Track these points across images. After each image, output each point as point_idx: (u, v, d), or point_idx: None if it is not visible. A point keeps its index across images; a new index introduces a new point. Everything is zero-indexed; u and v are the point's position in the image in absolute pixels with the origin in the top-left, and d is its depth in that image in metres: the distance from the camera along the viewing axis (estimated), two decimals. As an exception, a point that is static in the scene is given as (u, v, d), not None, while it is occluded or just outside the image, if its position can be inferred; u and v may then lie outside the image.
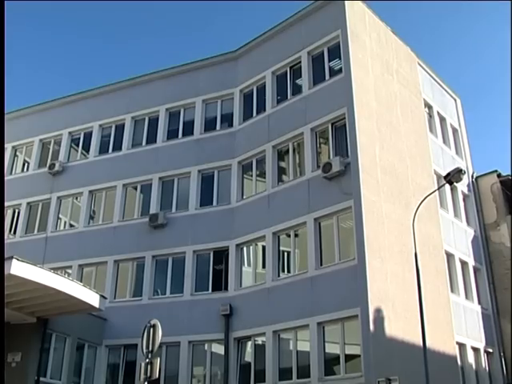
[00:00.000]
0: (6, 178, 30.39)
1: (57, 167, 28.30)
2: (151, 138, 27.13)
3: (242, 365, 21.50)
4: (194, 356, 22.33)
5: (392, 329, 18.55)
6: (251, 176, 24.13)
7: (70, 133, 29.49)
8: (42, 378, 20.57)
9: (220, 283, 22.88)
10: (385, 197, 20.74)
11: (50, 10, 65.05)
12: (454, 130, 28.83)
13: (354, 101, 20.99)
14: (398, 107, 23.88)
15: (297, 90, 23.67)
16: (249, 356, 21.59)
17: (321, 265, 20.13)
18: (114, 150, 27.89)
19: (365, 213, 19.29)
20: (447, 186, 22.74)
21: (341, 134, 21.35)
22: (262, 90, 25.01)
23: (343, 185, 20.16)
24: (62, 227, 27.87)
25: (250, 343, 21.53)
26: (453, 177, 16.86)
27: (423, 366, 15.47)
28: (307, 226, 20.80)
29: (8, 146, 31.18)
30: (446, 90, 29.39)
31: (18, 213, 29.19)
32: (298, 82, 23.82)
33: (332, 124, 21.70)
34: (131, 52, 70.46)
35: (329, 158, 21.21)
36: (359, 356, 18.08)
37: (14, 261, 17.02)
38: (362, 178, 19.83)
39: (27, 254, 20.47)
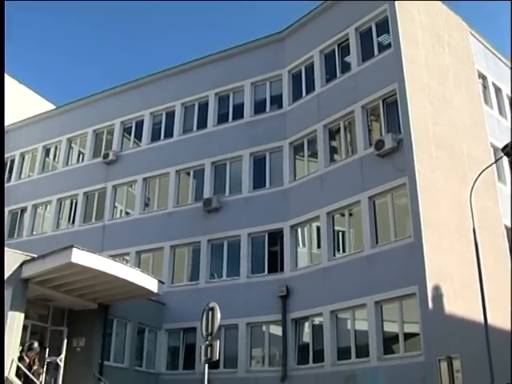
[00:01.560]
0: (61, 170, 31.23)
1: (111, 156, 28.83)
2: (202, 123, 27.30)
3: (300, 345, 21.56)
4: (253, 337, 22.55)
5: (451, 306, 18.23)
6: (303, 157, 24.03)
7: (121, 122, 29.95)
8: (105, 362, 21.17)
9: (276, 265, 22.95)
10: (440, 172, 20.31)
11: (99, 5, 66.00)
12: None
13: (405, 75, 20.55)
14: (451, 79, 23.27)
15: (345, 67, 23.35)
16: (307, 336, 21.64)
17: (376, 243, 19.92)
18: (165, 136, 28.20)
19: (420, 189, 18.94)
20: (505, 159, 22.13)
21: (392, 110, 20.97)
22: (310, 70, 24.78)
23: (396, 161, 19.83)
24: (118, 215, 28.44)
25: (307, 324, 21.56)
26: (510, 149, 16.35)
27: (485, 344, 15.20)
28: (361, 204, 20.60)
29: (63, 139, 31.94)
30: (500, 60, 28.40)
31: (76, 203, 29.91)
32: (347, 59, 23.48)
33: (383, 100, 21.33)
34: (179, 39, 70.87)
35: (381, 135, 20.89)
36: (418, 334, 17.86)
37: (74, 249, 17.47)
38: (415, 154, 19.45)
39: (86, 242, 20.94)
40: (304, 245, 23.07)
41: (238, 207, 24.33)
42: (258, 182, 24.56)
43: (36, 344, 18.63)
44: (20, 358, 17.90)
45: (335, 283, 20.47)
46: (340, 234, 21.87)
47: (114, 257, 21.67)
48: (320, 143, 23.02)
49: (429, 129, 20.73)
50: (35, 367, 18.33)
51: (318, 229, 22.21)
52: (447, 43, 24.08)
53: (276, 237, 23.30)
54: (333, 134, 23.19)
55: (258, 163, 24.90)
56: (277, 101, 25.73)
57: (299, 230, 23.02)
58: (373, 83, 21.55)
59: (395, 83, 20.74)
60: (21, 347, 18.28)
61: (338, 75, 23.45)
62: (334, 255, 21.30)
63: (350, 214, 21.40)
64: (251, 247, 23.64)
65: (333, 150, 23.02)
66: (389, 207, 20.02)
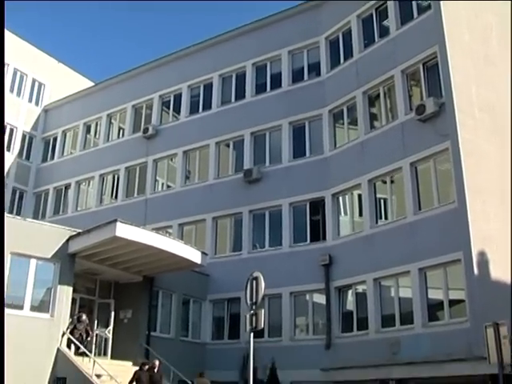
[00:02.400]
0: (103, 146, 31.60)
1: (150, 131, 29.03)
2: (240, 94, 27.23)
3: (344, 313, 21.61)
4: (296, 306, 22.68)
5: (497, 272, 17.91)
6: (343, 124, 23.77)
7: (160, 96, 30.07)
8: (152, 333, 21.61)
9: (318, 233, 22.93)
10: (483, 136, 19.82)
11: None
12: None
13: (446, 37, 19.97)
14: (494, 40, 22.54)
15: (384, 31, 22.85)
16: (350, 304, 21.65)
17: (419, 210, 19.68)
18: (204, 109, 28.23)
19: (463, 154, 18.54)
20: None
21: (433, 74, 20.48)
22: (347, 36, 24.35)
23: (438, 126, 19.43)
24: (159, 189, 28.74)
25: (350, 292, 21.56)
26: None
27: (532, 309, 14.96)
28: (403, 171, 20.33)
29: (103, 115, 32.28)
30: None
31: (118, 178, 30.31)
32: (385, 23, 22.96)
33: (423, 64, 20.84)
34: (214, 10, 70.42)
35: (421, 99, 20.45)
36: (464, 301, 17.68)
37: (118, 223, 17.76)
38: (458, 118, 19.00)
39: (129, 216, 21.25)
40: (346, 213, 22.96)
41: (278, 177, 24.29)
42: (298, 151, 24.45)
43: (84, 316, 19.14)
44: (71, 331, 18.42)
45: (378, 251, 20.35)
46: (382, 201, 21.67)
47: (156, 230, 21.99)
48: (359, 110, 22.73)
49: (471, 91, 20.20)
50: (88, 339, 18.86)
51: (360, 197, 22.07)
52: (490, 1, 23.29)
53: (317, 206, 23.24)
54: (372, 100, 22.85)
55: (298, 132, 24.76)
56: (315, 68, 25.42)
57: (340, 198, 22.90)
58: (412, 47, 21.06)
59: (436, 46, 20.21)
60: (70, 319, 18.80)
61: (376, 40, 22.99)
62: (377, 223, 21.15)
63: (392, 181, 21.16)
64: (293, 217, 23.65)
65: (373, 117, 22.71)
66: (431, 173, 19.71)
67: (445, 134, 19.08)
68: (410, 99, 21.16)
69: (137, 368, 19.64)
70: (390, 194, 21.25)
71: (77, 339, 18.29)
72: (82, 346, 18.16)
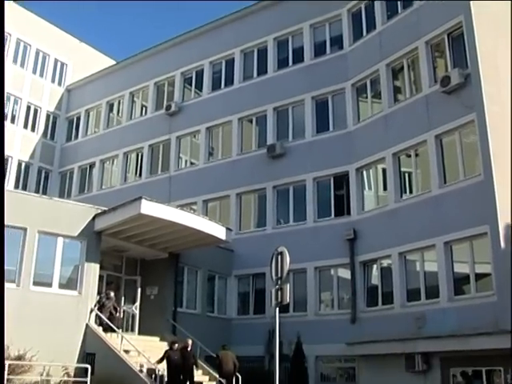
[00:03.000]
0: (126, 124, 31.72)
1: (173, 108, 29.05)
2: (262, 69, 27.06)
3: (369, 287, 21.61)
4: (321, 281, 22.75)
5: (525, 245, 17.73)
6: (366, 98, 23.53)
7: (182, 73, 30.03)
8: (178, 309, 21.85)
9: (342, 208, 22.86)
10: (510, 107, 19.47)
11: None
12: None
13: (472, 7, 19.56)
14: (521, 9, 22.02)
15: (407, 2, 22.38)
16: (375, 279, 21.63)
17: (444, 183, 19.48)
18: (226, 85, 28.13)
19: (489, 126, 18.21)
20: None
21: (458, 45, 20.08)
22: (370, 7, 23.94)
23: (464, 98, 19.10)
24: (183, 166, 28.84)
25: (375, 266, 21.53)
26: None
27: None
28: (428, 144, 20.09)
29: (125, 93, 32.36)
30: None
31: (141, 156, 30.45)
32: (409, -7, 22.54)
33: (448, 35, 20.44)
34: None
35: (446, 71, 20.09)
36: (490, 275, 17.55)
37: (143, 201, 17.88)
38: (484, 89, 18.62)
39: (153, 194, 21.35)
40: (370, 187, 22.84)
41: (301, 152, 24.19)
42: (322, 125, 24.28)
43: (112, 293, 19.43)
44: (99, 308, 18.69)
45: (403, 225, 20.24)
46: (406, 175, 21.49)
47: (181, 207, 22.11)
48: (383, 83, 22.45)
49: (497, 62, 19.80)
50: (117, 315, 19.14)
51: (384, 171, 21.91)
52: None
53: (341, 180, 23.13)
54: (396, 72, 22.53)
55: (321, 107, 24.57)
56: (337, 42, 25.12)
57: (365, 172, 22.76)
58: (437, 17, 20.66)
59: (461, 15, 19.79)
60: (98, 297, 19.08)
61: (399, 11, 22.57)
62: (401, 197, 21.00)
63: (417, 155, 20.94)
64: (317, 191, 23.59)
65: (396, 90, 22.42)
66: (457, 145, 19.45)
67: (470, 105, 18.76)
68: (434, 71, 20.82)
69: (164, 343, 19.99)
70: (415, 168, 21.05)
71: (105, 316, 18.57)
72: (110, 323, 18.43)
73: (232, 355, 17.56)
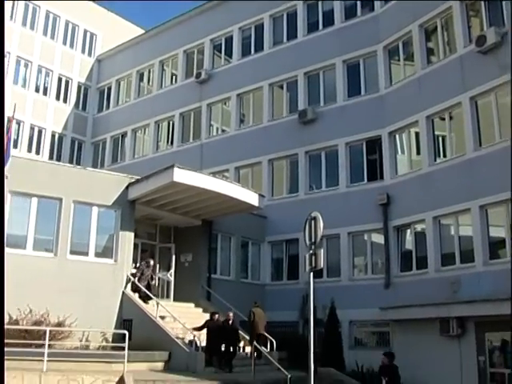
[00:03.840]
0: (156, 93, 31.75)
1: (203, 75, 28.96)
2: (291, 34, 26.69)
3: (403, 252, 21.51)
4: (354, 246, 22.72)
5: (563, 207, 17.40)
6: (398, 60, 23.08)
7: (211, 40, 29.84)
8: (212, 275, 22.09)
9: (375, 173, 22.67)
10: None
11: None
12: None
13: (508, -39, 18.90)
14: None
15: (441, -40, 21.75)
16: (409, 244, 21.51)
17: (480, 146, 19.11)
18: (255, 51, 27.87)
19: (526, 86, 17.76)
20: None
21: (494, 3, 19.46)
22: (402, -33, 23.32)
23: (500, 57, 18.52)
24: (214, 133, 28.86)
25: (409, 231, 21.39)
26: None
27: None
28: (462, 106, 19.67)
29: (155, 62, 32.35)
30: None
31: (173, 124, 30.53)
32: (440, -50, 21.86)
33: (484, -9, 19.82)
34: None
35: (482, 30, 19.54)
36: (526, 238, 17.32)
37: (175, 169, 17.96)
38: (521, 48, 18.11)
39: (185, 161, 21.40)
40: (403, 151, 22.56)
41: (333, 117, 23.96)
42: (353, 89, 23.95)
43: (152, 262, 19.71)
44: (138, 276, 18.99)
45: (437, 189, 19.98)
46: (440, 138, 21.15)
47: (213, 174, 22.14)
48: (416, 44, 21.95)
49: (535, 20, 19.19)
50: (152, 283, 19.41)
51: (417, 134, 21.59)
52: None
53: (374, 145, 22.89)
54: (429, 33, 21.99)
55: (352, 70, 24.19)
56: (368, 3, 24.53)
57: (397, 136, 22.46)
58: (472, -26, 20.04)
59: (496, -28, 19.19)
60: (138, 265, 19.41)
61: (432, -31, 21.95)
62: (435, 160, 20.71)
63: (451, 117, 20.56)
64: (349, 156, 23.42)
65: (429, 51, 21.93)
66: (492, 107, 18.98)
67: (507, 65, 18.25)
68: (469, 30, 20.24)
69: (198, 309, 20.29)
70: (449, 131, 20.68)
71: (143, 284, 18.86)
72: (148, 292, 18.70)
73: (263, 313, 17.74)
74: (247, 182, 25.31)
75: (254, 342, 16.79)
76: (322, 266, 10.42)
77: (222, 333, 16.61)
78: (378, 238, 22.19)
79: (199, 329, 16.73)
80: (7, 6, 29.38)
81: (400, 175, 21.88)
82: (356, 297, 21.22)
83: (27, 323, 15.55)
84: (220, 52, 29.69)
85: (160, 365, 16.01)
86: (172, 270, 21.28)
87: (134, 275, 18.98)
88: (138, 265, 19.91)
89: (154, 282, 19.69)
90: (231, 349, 16.61)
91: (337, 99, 24.23)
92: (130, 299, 18.28)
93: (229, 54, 29.06)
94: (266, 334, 17.56)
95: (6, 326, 14.82)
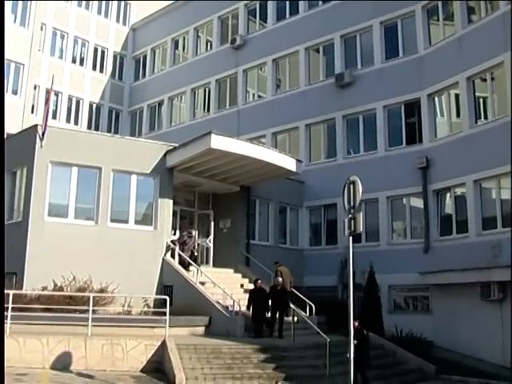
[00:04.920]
0: (192, 60, 31.65)
1: (238, 41, 28.72)
2: (327, -4, 26.20)
3: (443, 216, 21.27)
4: (393, 210, 22.55)
5: None
6: (437, 20, 22.46)
7: (245, 5, 29.50)
8: (251, 241, 22.22)
9: (414, 136, 22.32)
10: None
11: None
12: None
13: None
14: None
15: None
16: (449, 207, 21.25)
17: (523, 106, 18.60)
18: (291, 14, 27.46)
19: None
20: None
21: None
22: None
23: (544, 15, 17.95)
24: (250, 99, 28.73)
25: (449, 194, 21.10)
26: None
27: None
28: (505, 65, 18.99)
29: (190, 29, 32.21)
30: None
31: (209, 91, 30.49)
32: None
33: None
34: None
35: (525, -14, 18.87)
36: None
37: (212, 135, 17.96)
38: None
39: (222, 128, 21.36)
40: (442, 114, 22.12)
41: (371, 80, 23.58)
42: (391, 51, 23.46)
43: (194, 232, 19.89)
44: (181, 246, 19.21)
45: (478, 152, 19.57)
46: (481, 100, 20.63)
47: (250, 140, 22.08)
48: (456, 3, 21.31)
49: None
50: (195, 254, 19.59)
51: (457, 96, 21.11)
52: None
53: (413, 107, 22.50)
54: (470, -9, 21.35)
55: (390, 32, 23.66)
56: (404, -37, 23.87)
57: (437, 98, 22.02)
58: None
59: None
60: (174, 231, 19.63)
61: None
62: (476, 122, 20.25)
63: (492, 78, 19.97)
64: (387, 120, 23.09)
65: (470, 10, 21.27)
66: (536, 66, 18.42)
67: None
68: (511, -13, 19.57)
69: (237, 275, 20.43)
70: (491, 92, 20.12)
71: (186, 254, 19.07)
72: (191, 261, 18.90)
73: (288, 271, 17.79)
74: (284, 147, 25.19)
75: (293, 306, 16.86)
76: (361, 230, 10.35)
77: (272, 299, 16.60)
78: (417, 202, 21.96)
79: (249, 304, 16.64)
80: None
81: (439, 138, 21.51)
82: (395, 261, 21.14)
83: (71, 290, 15.94)
84: (255, 17, 29.36)
85: (201, 330, 16.31)
86: (211, 237, 21.46)
87: (174, 243, 19.21)
88: (179, 235, 20.10)
89: (196, 254, 19.87)
90: (279, 314, 16.56)
91: (374, 62, 23.80)
92: (170, 265, 18.54)
93: (264, 18, 28.71)
94: (295, 291, 17.50)
95: (51, 293, 15.36)
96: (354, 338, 11.47)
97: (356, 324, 12.20)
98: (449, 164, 20.63)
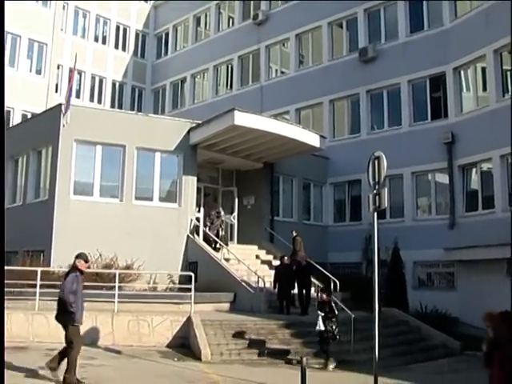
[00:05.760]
0: (214, 37, 31.48)
1: (260, 17, 28.49)
2: (350, -31, 25.77)
3: (468, 192, 21.06)
4: (418, 186, 22.38)
5: None
6: (463, -8, 22.04)
7: (267, -21, 29.18)
8: (275, 217, 22.25)
9: (439, 111, 22.02)
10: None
11: None
12: None
13: None
14: None
15: None
16: (475, 183, 21.04)
17: (553, 78, 18.22)
18: (313, -12, 27.10)
19: None
20: None
21: None
22: None
23: None
24: (273, 75, 28.56)
25: (475, 170, 20.87)
26: None
27: None
28: (533, 37, 18.65)
29: (211, 5, 32.03)
30: None
31: (231, 67, 30.36)
32: None
33: None
34: None
35: (554, -46, 18.30)
36: None
37: (235, 112, 17.94)
38: None
39: (245, 105, 21.31)
40: (468, 88, 21.78)
41: (395, 54, 23.23)
42: (416, 24, 23.06)
43: (222, 212, 19.92)
44: (209, 226, 19.32)
45: (505, 126, 19.15)
46: (508, 73, 20.23)
47: (273, 116, 21.99)
48: (482, -27, 20.84)
49: None
50: (222, 233, 19.63)
51: (484, 70, 20.75)
52: None
53: (438, 82, 22.16)
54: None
55: (414, 4, 23.19)
56: None
57: (462, 72, 21.65)
58: None
59: None
60: (198, 208, 19.74)
61: None
62: (503, 96, 19.86)
63: (520, 50, 19.58)
64: (412, 94, 22.82)
65: (497, -20, 20.77)
66: None
67: None
68: (541, -45, 19.03)
69: (262, 251, 20.49)
70: (518, 65, 19.76)
71: (213, 233, 19.16)
72: (218, 240, 18.97)
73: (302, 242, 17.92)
74: (308, 123, 25.03)
75: (318, 282, 16.88)
76: (385, 205, 10.26)
77: (298, 275, 16.60)
78: (442, 178, 21.77)
79: (275, 281, 16.61)
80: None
81: (465, 113, 21.20)
82: (420, 237, 21.02)
83: (97, 267, 16.12)
84: (277, -8, 29.07)
85: (226, 306, 16.41)
86: (235, 213, 21.51)
87: (199, 220, 19.34)
88: (208, 214, 20.14)
89: (223, 233, 19.91)
90: (305, 291, 16.55)
91: (398, 36, 23.44)
92: (195, 242, 18.67)
93: (286, -7, 28.41)
94: (311, 261, 17.46)
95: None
96: (322, 311, 11.77)
97: (324, 296, 12.36)
98: (475, 139, 20.33)
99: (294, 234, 17.96)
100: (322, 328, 12.05)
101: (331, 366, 12.27)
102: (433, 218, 21.77)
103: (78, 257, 10.03)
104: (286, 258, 17.01)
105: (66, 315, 9.48)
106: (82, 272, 9.94)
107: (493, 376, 5.76)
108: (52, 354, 10.10)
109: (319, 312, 12.25)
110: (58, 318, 9.75)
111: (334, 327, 12.28)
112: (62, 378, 9.42)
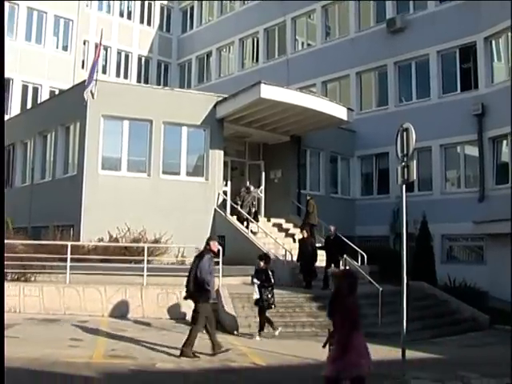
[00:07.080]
0: (239, 9, 31.19)
1: (282, -12, 28.14)
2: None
3: (499, 165, 20.74)
4: (447, 159, 22.13)
5: None
6: (494, -42, 21.41)
7: (292, -49, 28.70)
8: (302, 191, 22.18)
9: (469, 82, 21.63)
10: None
11: None
12: None
13: None
14: None
15: None
16: (505, 155, 20.69)
17: None
18: (340, -41, 26.62)
19: None
20: None
21: None
22: None
23: None
24: (300, 48, 28.28)
25: (505, 142, 20.49)
26: None
27: None
28: None
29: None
30: None
31: (257, 41, 30.11)
32: None
33: None
34: None
35: None
36: None
37: (262, 85, 17.86)
38: None
39: (271, 78, 21.13)
40: (499, 59, 21.31)
41: (424, 24, 22.77)
42: (445, -7, 22.62)
43: (252, 188, 19.88)
44: (239, 202, 19.32)
45: (538, 93, 18.83)
46: (542, 41, 19.74)
47: (300, 89, 21.79)
48: None
49: None
50: (253, 210, 19.59)
51: (516, 39, 20.24)
52: None
53: (468, 52, 21.72)
54: None
55: (443, -27, 22.75)
56: None
57: (494, 42, 21.18)
58: None
59: None
60: (225, 182, 19.78)
61: None
62: (536, 65, 19.44)
63: (554, 18, 19.05)
64: (441, 66, 22.44)
65: None
66: None
67: None
68: None
69: (289, 224, 20.47)
70: (553, 33, 19.24)
71: (245, 210, 19.15)
72: (250, 218, 18.97)
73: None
74: (335, 96, 24.82)
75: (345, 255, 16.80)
76: (414, 178, 10.12)
77: (327, 250, 16.41)
78: (472, 151, 21.46)
79: (299, 255, 16.51)
80: None
81: (496, 83, 20.78)
82: (448, 211, 20.83)
83: (126, 241, 16.31)
84: (303, -37, 28.60)
85: (253, 279, 16.46)
86: (262, 187, 21.51)
87: (226, 194, 19.36)
88: (239, 191, 20.13)
89: (254, 209, 19.84)
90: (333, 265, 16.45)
91: (427, 5, 23.01)
92: (223, 216, 18.73)
93: (312, -36, 27.95)
94: (347, 240, 17.30)
95: (107, 244, 15.76)
96: (258, 279, 11.78)
97: (262, 264, 12.31)
98: (506, 110, 19.84)
99: (308, 198, 18.05)
100: (258, 296, 12.05)
101: (259, 337, 11.99)
102: (462, 191, 21.53)
103: (210, 239, 10.70)
104: (305, 232, 16.82)
105: (202, 293, 10.05)
106: (214, 253, 10.63)
107: (334, 323, 6.59)
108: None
109: (255, 280, 12.23)
110: (191, 295, 10.36)
111: (269, 296, 12.22)
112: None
